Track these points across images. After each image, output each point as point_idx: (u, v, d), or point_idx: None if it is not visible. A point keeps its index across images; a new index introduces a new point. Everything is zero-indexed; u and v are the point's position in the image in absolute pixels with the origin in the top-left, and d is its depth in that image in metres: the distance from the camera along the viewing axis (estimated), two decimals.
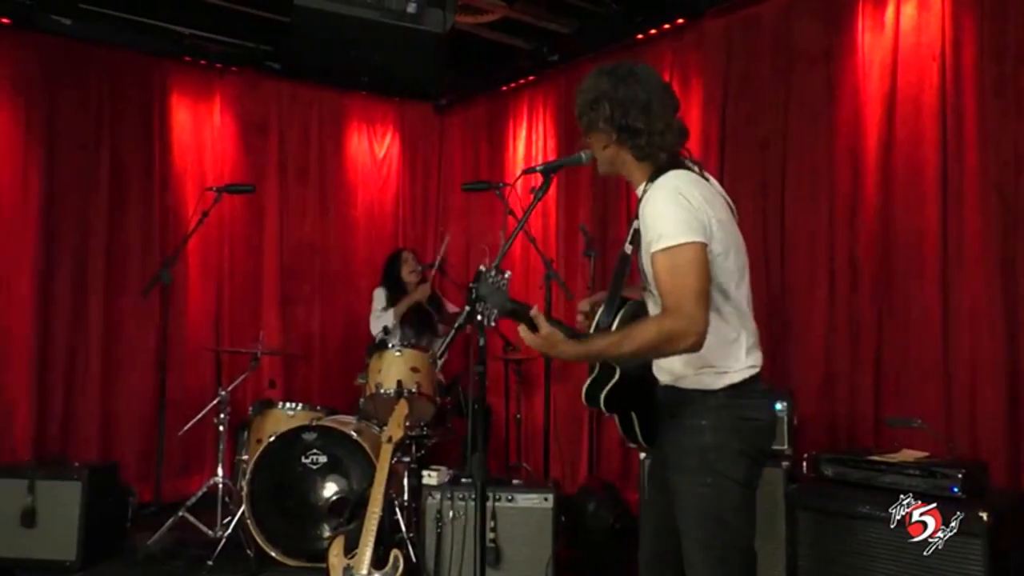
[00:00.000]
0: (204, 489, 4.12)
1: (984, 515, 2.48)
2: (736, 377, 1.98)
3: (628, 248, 2.08)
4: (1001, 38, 3.11)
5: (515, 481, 3.53)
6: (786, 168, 3.83)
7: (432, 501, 3.39)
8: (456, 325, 2.11)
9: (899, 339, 3.39)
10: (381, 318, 4.79)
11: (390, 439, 3.46)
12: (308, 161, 5.66)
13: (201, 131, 5.23)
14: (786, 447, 3.20)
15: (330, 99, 5.78)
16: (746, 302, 2.04)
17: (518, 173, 5.46)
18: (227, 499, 4.07)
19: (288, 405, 4.23)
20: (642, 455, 3.31)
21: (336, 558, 3.22)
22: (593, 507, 3.83)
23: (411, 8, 3.22)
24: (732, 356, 2.00)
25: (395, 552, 3.22)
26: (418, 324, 4.82)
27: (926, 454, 2.93)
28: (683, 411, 2.04)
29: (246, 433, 4.26)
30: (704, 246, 1.89)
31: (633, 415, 2.08)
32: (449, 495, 3.38)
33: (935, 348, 3.26)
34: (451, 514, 3.35)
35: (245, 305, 5.37)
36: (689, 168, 2.06)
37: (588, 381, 2.06)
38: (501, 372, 5.01)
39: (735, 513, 1.97)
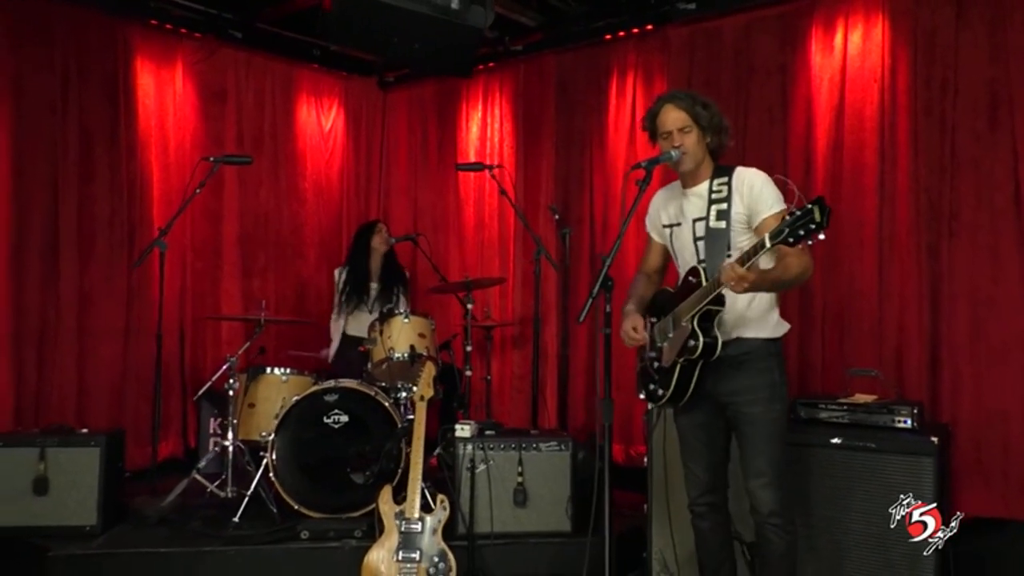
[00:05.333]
0: (212, 453, 4.22)
1: (935, 439, 3.24)
2: (785, 327, 2.72)
3: (722, 224, 2.67)
4: (930, 68, 3.89)
5: (533, 431, 3.99)
6: (745, 164, 4.47)
7: (466, 451, 3.78)
8: (592, 294, 2.54)
9: (842, 308, 4.14)
10: (337, 323, 4.99)
11: (422, 397, 3.80)
12: (262, 131, 5.69)
13: (163, 97, 5.14)
14: None
15: (282, 70, 5.82)
16: None
17: (472, 154, 5.84)
18: (247, 461, 4.21)
19: (279, 371, 4.43)
20: (650, 405, 3.86)
21: (386, 505, 3.53)
22: (582, 455, 4.35)
23: (455, 4, 3.51)
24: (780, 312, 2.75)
25: (440, 496, 3.59)
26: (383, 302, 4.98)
27: (875, 397, 3.70)
28: (751, 357, 2.66)
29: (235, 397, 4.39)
30: None
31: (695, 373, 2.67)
32: (480, 445, 3.79)
33: (871, 315, 4.03)
34: (482, 464, 3.78)
35: (206, 274, 5.37)
36: None
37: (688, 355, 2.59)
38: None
39: (786, 434, 2.70)
